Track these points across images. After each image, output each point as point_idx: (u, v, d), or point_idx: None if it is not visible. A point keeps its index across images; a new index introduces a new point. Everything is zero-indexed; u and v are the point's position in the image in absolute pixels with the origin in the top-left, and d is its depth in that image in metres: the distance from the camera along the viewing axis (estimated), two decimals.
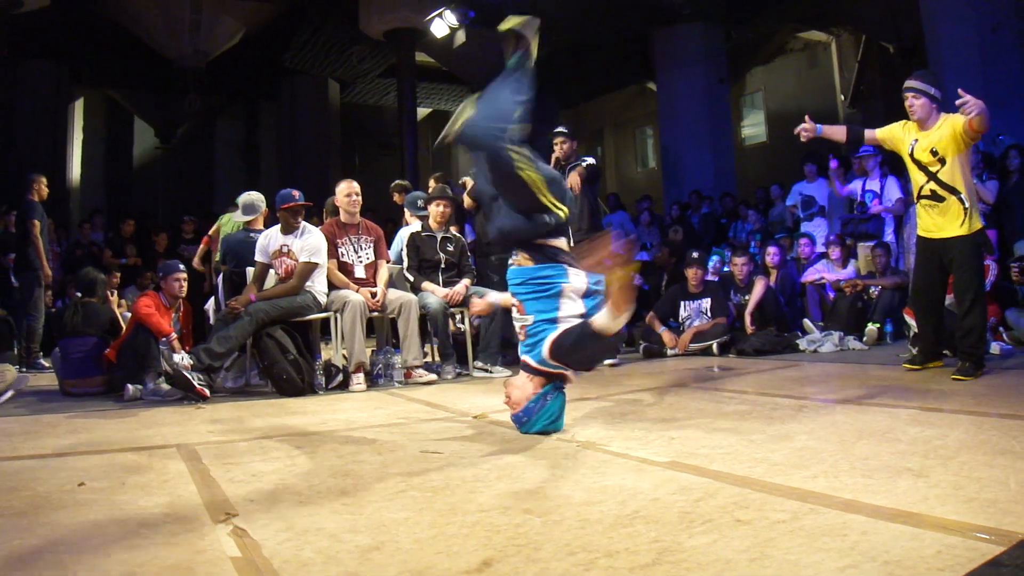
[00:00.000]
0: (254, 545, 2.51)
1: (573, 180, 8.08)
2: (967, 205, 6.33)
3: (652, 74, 21.49)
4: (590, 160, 8.49)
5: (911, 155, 6.55)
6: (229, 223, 10.25)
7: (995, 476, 2.97)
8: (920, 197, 6.59)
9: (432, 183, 9.42)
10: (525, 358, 4.45)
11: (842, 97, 22.36)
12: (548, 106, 24.44)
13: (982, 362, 6.34)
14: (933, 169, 6.42)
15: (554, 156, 8.46)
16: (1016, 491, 2.75)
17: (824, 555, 2.19)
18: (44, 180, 10.86)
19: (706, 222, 15.52)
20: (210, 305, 8.92)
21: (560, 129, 8.61)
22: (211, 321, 8.47)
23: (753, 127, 26.09)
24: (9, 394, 6.82)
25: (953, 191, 6.36)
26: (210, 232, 10.99)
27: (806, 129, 6.89)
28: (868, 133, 6.91)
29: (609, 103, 27.71)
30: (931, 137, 6.43)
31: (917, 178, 6.60)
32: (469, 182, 9.23)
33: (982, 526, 2.36)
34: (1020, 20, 13.07)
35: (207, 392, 6.61)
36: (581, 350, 4.32)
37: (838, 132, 7.03)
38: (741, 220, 14.49)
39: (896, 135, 6.72)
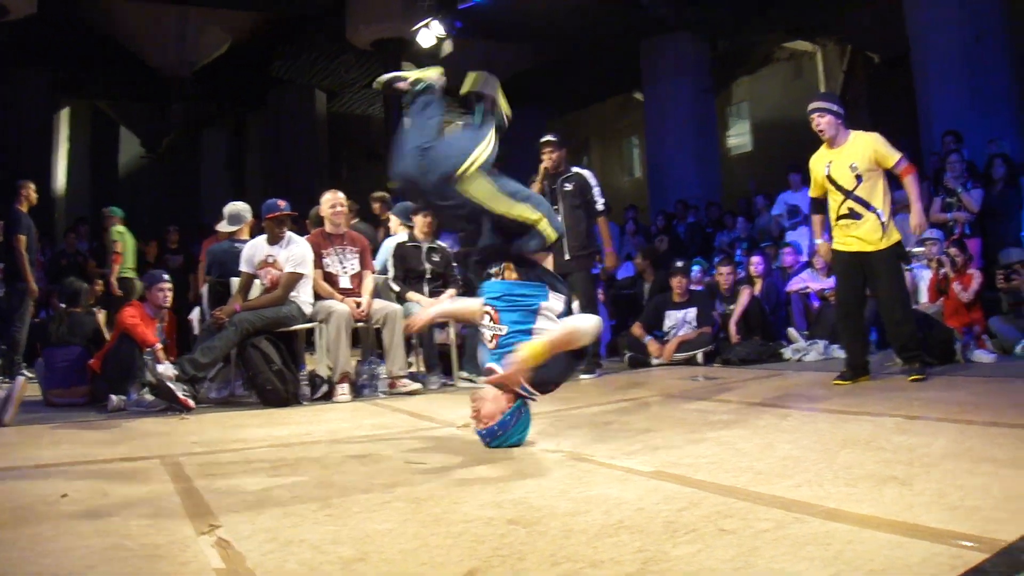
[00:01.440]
0: (238, 556, 2.50)
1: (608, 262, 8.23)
2: (884, 220, 6.48)
3: (638, 84, 21.53)
4: (584, 173, 8.55)
5: (828, 176, 6.70)
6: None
7: (978, 484, 2.97)
8: (838, 217, 6.73)
9: None
10: (492, 365, 4.41)
11: None
12: (534, 117, 24.52)
13: (926, 363, 6.60)
14: (849, 187, 6.59)
15: (542, 166, 8.46)
16: (999, 498, 2.76)
17: (809, 564, 2.19)
18: (32, 186, 10.79)
19: (692, 231, 15.55)
20: (195, 315, 8.90)
21: (548, 138, 8.60)
22: (196, 331, 8.44)
23: (739, 137, 26.16)
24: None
25: (869, 207, 6.53)
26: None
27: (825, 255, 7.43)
28: (818, 199, 7.13)
29: (595, 113, 27.77)
30: (845, 154, 6.62)
31: (835, 198, 6.75)
32: None
33: (966, 533, 2.37)
34: (1004, 30, 13.16)
35: (191, 403, 6.59)
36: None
37: (818, 222, 7.33)
38: (727, 229, 14.52)
39: (813, 169, 6.94)
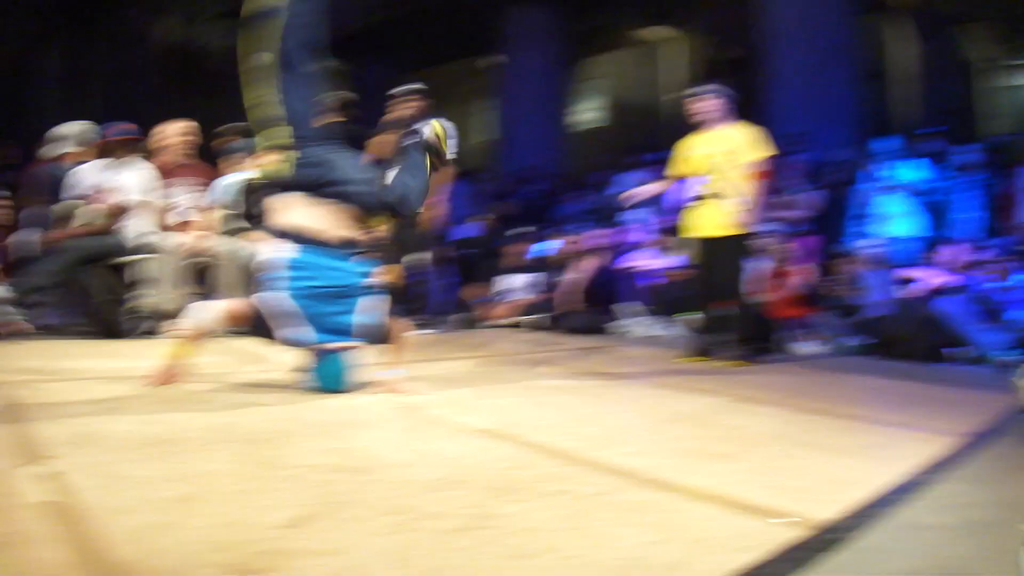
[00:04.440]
0: (64, 490, 2.42)
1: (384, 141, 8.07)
2: (730, 209, 6.67)
3: (494, 49, 21.53)
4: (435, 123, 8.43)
5: (692, 158, 6.95)
6: None
7: (797, 465, 3.09)
8: (694, 198, 6.96)
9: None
10: None
11: (671, 95, 22.85)
12: (385, 71, 24.27)
13: (747, 351, 6.81)
14: (709, 171, 6.80)
15: (398, 114, 8.30)
16: (816, 479, 2.88)
17: (635, 529, 2.25)
18: None
19: (536, 199, 15.62)
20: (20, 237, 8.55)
21: (417, 86, 8.44)
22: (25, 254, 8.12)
23: (589, 112, 26.44)
24: None
25: (724, 194, 6.72)
26: None
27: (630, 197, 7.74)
28: (667, 176, 7.36)
29: (449, 74, 27.65)
30: (710, 141, 6.86)
31: (695, 180, 6.98)
32: None
33: (783, 511, 2.46)
34: (849, 44, 13.62)
35: (21, 326, 6.35)
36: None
37: (652, 187, 7.62)
38: (568, 202, 14.65)
39: (680, 151, 7.11)
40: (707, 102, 6.86)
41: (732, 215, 6.66)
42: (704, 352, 6.86)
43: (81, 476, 2.57)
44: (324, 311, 4.32)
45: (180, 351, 4.33)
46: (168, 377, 4.31)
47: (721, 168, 6.72)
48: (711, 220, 6.79)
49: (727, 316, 6.79)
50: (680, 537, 2.20)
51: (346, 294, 4.39)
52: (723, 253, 6.74)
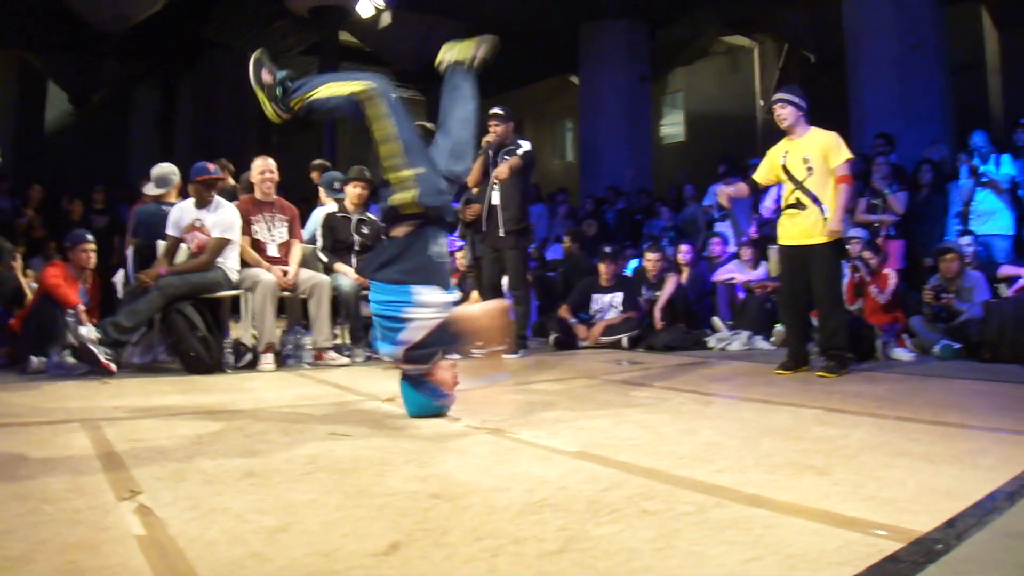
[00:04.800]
0: (159, 524, 2.48)
1: (502, 171, 8.06)
2: (827, 216, 6.57)
3: (574, 67, 21.52)
4: (527, 146, 8.37)
5: (783, 165, 6.83)
6: None
7: (894, 476, 3.04)
8: (787, 206, 6.87)
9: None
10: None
11: (761, 103, 22.64)
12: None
13: (846, 361, 6.67)
14: (801, 178, 6.71)
15: (485, 139, 8.34)
16: (914, 491, 2.82)
17: (729, 547, 2.23)
18: None
19: (621, 218, 15.60)
20: (119, 277, 8.76)
21: (496, 110, 8.45)
22: (119, 294, 8.32)
23: (672, 126, 26.32)
24: None
25: (816, 201, 6.64)
26: None
27: (723, 197, 7.66)
28: (755, 181, 7.30)
29: (530, 94, 27.73)
30: (801, 146, 6.77)
31: (786, 187, 6.90)
32: None
33: (881, 523, 2.42)
34: (939, 40, 13.35)
35: (113, 367, 6.48)
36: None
37: (743, 190, 7.49)
38: (655, 217, 14.59)
39: (770, 157, 7.05)
40: (789, 108, 6.79)
41: (822, 222, 6.58)
42: (800, 363, 6.78)
43: (177, 509, 2.63)
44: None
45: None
46: None
47: (808, 174, 6.65)
48: (801, 228, 6.71)
49: (830, 325, 6.70)
50: (776, 553, 2.18)
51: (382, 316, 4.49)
52: (817, 261, 6.65)
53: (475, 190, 8.72)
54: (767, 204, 11.00)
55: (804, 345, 6.94)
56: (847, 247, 7.47)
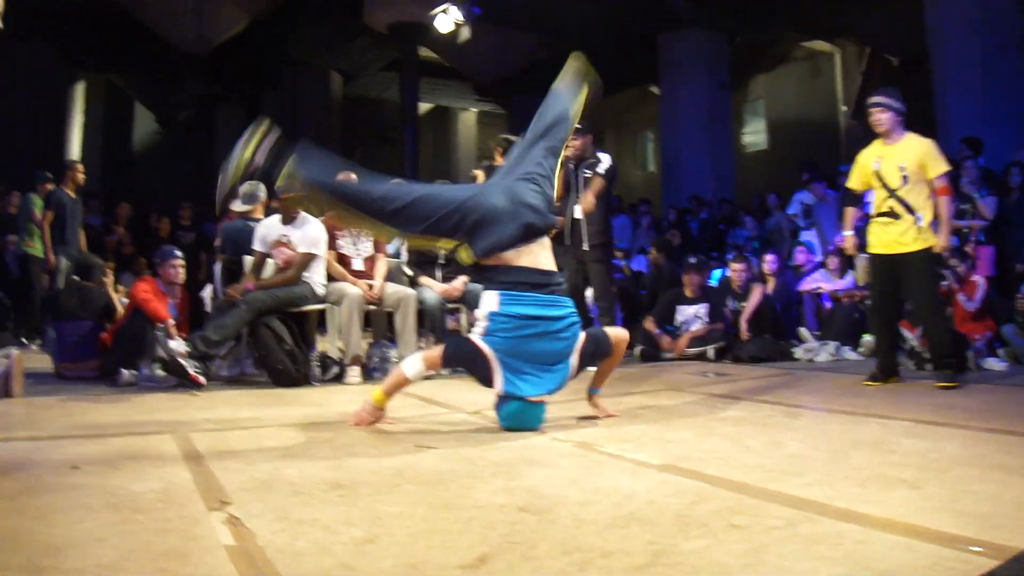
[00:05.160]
0: (248, 534, 2.51)
1: (588, 203, 8.03)
2: (921, 224, 6.45)
3: (655, 78, 21.47)
4: (607, 161, 8.33)
5: (876, 171, 6.69)
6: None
7: (989, 490, 2.97)
8: (878, 214, 6.72)
9: (480, 176, 9.26)
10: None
11: (844, 108, 22.38)
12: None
13: (961, 367, 6.61)
14: (895, 186, 6.57)
15: (564, 153, 8.32)
16: (1010, 506, 2.76)
17: (819, 563, 2.19)
18: (80, 167, 11.24)
19: (704, 227, 15.52)
20: (207, 292, 8.91)
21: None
22: (208, 309, 8.45)
23: (754, 135, 26.10)
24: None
25: (910, 210, 6.50)
26: None
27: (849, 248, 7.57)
28: (853, 191, 7.15)
29: (610, 105, 27.66)
30: (897, 153, 6.60)
31: (879, 194, 6.74)
32: (480, 175, 9.16)
33: (976, 539, 2.36)
34: None
35: (202, 380, 6.58)
36: None
37: (850, 215, 7.32)
38: (739, 227, 14.49)
39: (861, 162, 6.90)
40: (888, 113, 6.64)
41: (915, 231, 6.46)
42: (890, 374, 6.67)
43: (266, 520, 2.66)
44: (526, 355, 4.46)
45: (377, 396, 4.57)
46: (366, 420, 4.57)
47: (903, 183, 6.52)
48: (894, 237, 6.59)
49: (935, 335, 6.59)
50: (867, 569, 2.14)
51: (551, 334, 4.48)
52: (912, 271, 6.53)
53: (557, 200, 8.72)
54: None
55: (894, 355, 6.83)
56: (943, 255, 7.32)
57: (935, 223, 6.49)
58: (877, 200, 6.77)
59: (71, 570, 2.19)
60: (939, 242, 6.46)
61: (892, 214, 6.58)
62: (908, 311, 7.47)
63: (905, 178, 6.51)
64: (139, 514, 2.74)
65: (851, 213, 7.26)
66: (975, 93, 12.87)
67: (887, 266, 6.69)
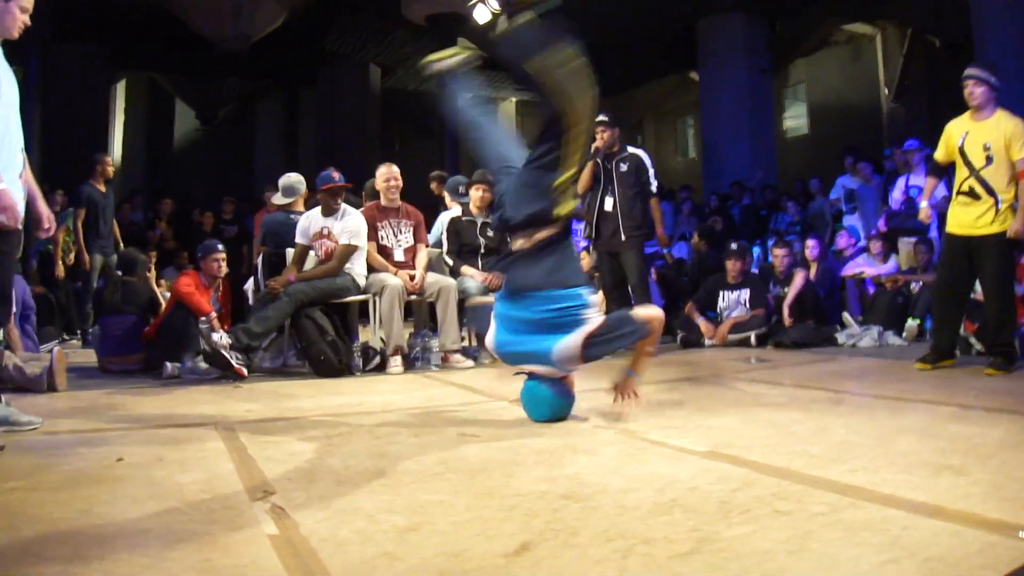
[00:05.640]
0: (292, 523, 2.52)
1: (584, 179, 8.12)
2: (1000, 208, 6.29)
3: (694, 64, 21.35)
4: (638, 156, 8.51)
5: (960, 147, 6.50)
6: None
7: None
8: (959, 192, 6.55)
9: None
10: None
11: (886, 91, 22.15)
12: None
13: (1014, 357, 6.35)
14: (978, 166, 6.39)
15: (593, 145, 8.36)
16: None
17: (864, 549, 2.18)
18: (109, 160, 11.11)
19: (746, 213, 15.44)
20: (249, 285, 8.96)
21: (601, 117, 8.46)
22: (250, 301, 8.50)
23: (795, 119, 25.91)
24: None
25: (991, 192, 6.33)
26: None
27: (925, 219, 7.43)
28: (938, 163, 6.94)
29: (650, 92, 27.55)
30: (984, 131, 6.39)
31: (960, 172, 6.56)
32: None
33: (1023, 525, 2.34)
34: None
35: (245, 371, 6.64)
36: None
37: (931, 185, 7.22)
38: (781, 212, 14.40)
39: (949, 134, 6.68)
40: (983, 87, 6.41)
41: (994, 213, 6.31)
42: (944, 357, 6.58)
43: (309, 510, 2.68)
44: (528, 339, 4.43)
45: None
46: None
47: (987, 163, 6.35)
48: (972, 218, 6.43)
49: (999, 320, 6.44)
50: (913, 556, 2.12)
51: (555, 323, 4.41)
52: (987, 254, 6.37)
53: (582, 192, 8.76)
54: (895, 196, 10.71)
55: (953, 339, 6.73)
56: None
57: (1016, 206, 6.34)
58: (958, 178, 6.59)
59: (117, 560, 2.21)
60: (1015, 231, 6.24)
61: (972, 194, 6.41)
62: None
63: (989, 158, 6.32)
64: (183, 504, 2.77)
65: (932, 184, 7.15)
66: (1019, 75, 12.68)
67: (962, 247, 6.52)
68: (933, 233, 10.09)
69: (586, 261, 10.15)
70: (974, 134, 6.45)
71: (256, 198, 15.99)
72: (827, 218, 13.13)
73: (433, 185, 10.88)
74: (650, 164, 8.52)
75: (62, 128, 18.42)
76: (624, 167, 8.33)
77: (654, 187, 8.48)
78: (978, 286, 6.76)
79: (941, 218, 9.77)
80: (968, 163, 6.46)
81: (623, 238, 8.18)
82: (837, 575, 2.03)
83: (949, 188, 7.57)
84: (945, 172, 7.09)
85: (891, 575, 2.01)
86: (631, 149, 8.58)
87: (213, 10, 18.93)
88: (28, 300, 7.53)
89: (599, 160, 8.37)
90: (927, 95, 19.23)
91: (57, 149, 17.62)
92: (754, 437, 3.81)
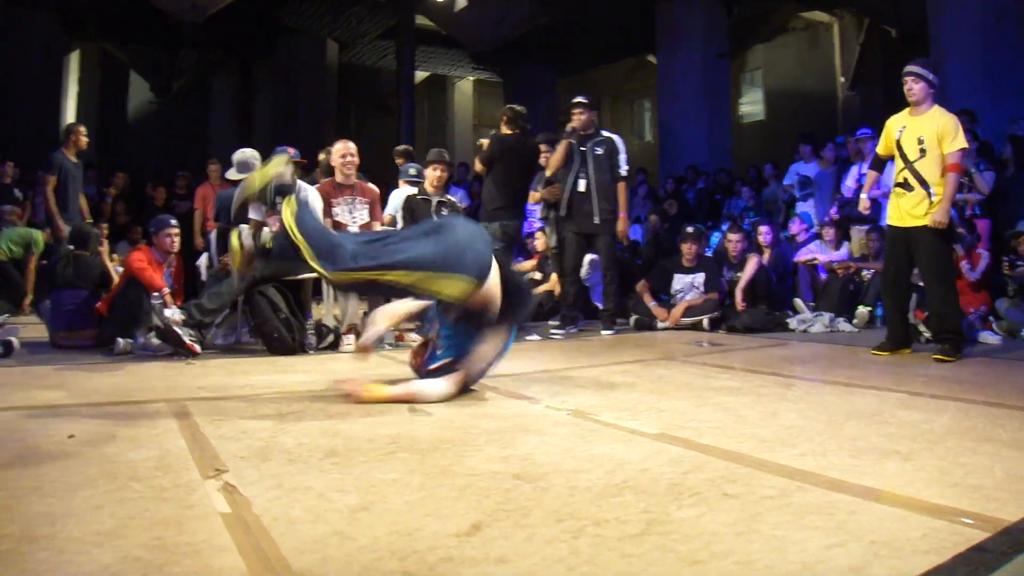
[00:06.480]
0: (244, 501, 2.53)
1: (557, 157, 8.25)
2: (933, 200, 6.47)
3: (652, 47, 21.38)
4: (612, 142, 8.68)
5: (897, 141, 6.72)
6: None
7: (980, 463, 2.99)
8: (896, 184, 6.77)
9: (485, 144, 9.29)
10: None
11: (842, 79, 22.30)
12: (546, 75, 24.30)
13: (962, 344, 6.53)
14: (912, 158, 6.61)
15: (570, 125, 8.46)
16: (1001, 478, 2.78)
17: (811, 532, 2.21)
18: (83, 130, 10.86)
19: (700, 197, 15.50)
20: (202, 261, 8.90)
21: (580, 99, 8.63)
22: (203, 277, 8.44)
23: (751, 105, 26.03)
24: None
25: (924, 184, 6.53)
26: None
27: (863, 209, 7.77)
28: (879, 157, 7.15)
29: (608, 74, 27.59)
30: (920, 125, 6.61)
31: (897, 164, 6.79)
32: (485, 143, 9.20)
33: (967, 511, 2.39)
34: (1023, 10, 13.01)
35: (197, 348, 6.59)
36: None
37: (871, 179, 7.43)
38: (736, 197, 14.47)
39: (889, 128, 6.90)
40: (921, 84, 6.61)
41: (928, 205, 6.48)
42: (900, 345, 6.73)
43: (261, 488, 2.68)
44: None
45: (363, 363, 4.58)
46: (354, 388, 4.49)
47: (920, 155, 6.55)
48: (907, 209, 6.63)
49: (942, 308, 6.59)
50: (859, 540, 2.16)
51: None
52: (923, 244, 6.55)
53: (548, 173, 8.81)
54: (848, 183, 10.80)
55: (905, 327, 6.89)
56: (958, 231, 7.29)
57: (973, 195, 6.49)
58: (896, 170, 6.80)
59: (67, 538, 2.20)
60: (934, 220, 6.43)
61: (907, 185, 6.62)
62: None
63: (923, 151, 6.53)
64: (135, 482, 2.75)
65: (872, 177, 7.35)
66: (973, 64, 12.82)
67: (901, 237, 6.72)
68: (884, 221, 10.21)
69: (541, 241, 10.18)
70: (911, 128, 6.66)
71: (231, 211, 15.82)
72: (780, 204, 13.21)
73: (398, 160, 10.90)
74: (623, 149, 8.60)
75: (13, 99, 18.10)
76: (599, 151, 8.45)
77: (624, 171, 8.54)
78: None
79: None
80: (904, 156, 6.68)
81: (597, 220, 8.28)
82: (785, 558, 2.06)
83: None
84: (885, 166, 7.27)
85: (837, 558, 2.04)
86: (606, 133, 8.67)
87: None
88: None
89: (573, 141, 8.43)
90: (883, 84, 19.36)
91: (7, 120, 17.31)
92: (705, 420, 3.85)
